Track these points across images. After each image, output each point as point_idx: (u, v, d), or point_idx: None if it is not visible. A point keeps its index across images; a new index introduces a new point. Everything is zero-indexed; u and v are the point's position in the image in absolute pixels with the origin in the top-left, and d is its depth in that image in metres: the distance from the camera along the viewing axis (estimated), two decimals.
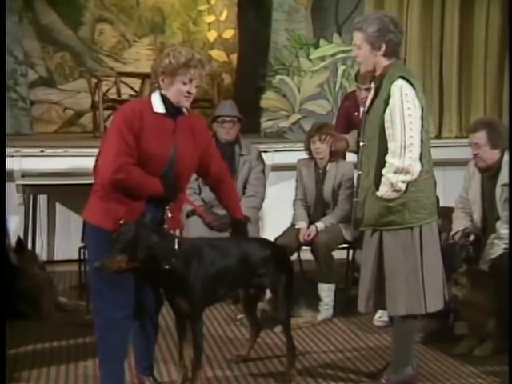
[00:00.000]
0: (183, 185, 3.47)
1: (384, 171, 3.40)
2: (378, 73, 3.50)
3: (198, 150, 3.44)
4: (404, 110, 3.36)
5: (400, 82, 3.39)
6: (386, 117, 3.40)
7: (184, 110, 3.40)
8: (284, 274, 3.78)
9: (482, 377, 3.88)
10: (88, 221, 3.38)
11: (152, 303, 3.55)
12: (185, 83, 3.30)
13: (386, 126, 3.41)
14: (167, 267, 3.27)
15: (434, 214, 3.59)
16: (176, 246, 3.32)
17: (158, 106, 3.33)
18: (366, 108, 3.56)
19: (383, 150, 3.42)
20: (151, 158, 3.27)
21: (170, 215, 3.38)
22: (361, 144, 3.55)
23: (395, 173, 3.36)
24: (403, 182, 3.38)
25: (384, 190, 3.41)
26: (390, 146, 3.39)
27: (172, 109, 3.34)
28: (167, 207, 3.37)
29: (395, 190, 3.39)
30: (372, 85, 3.57)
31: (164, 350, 4.19)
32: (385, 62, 3.48)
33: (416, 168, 3.38)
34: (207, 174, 3.61)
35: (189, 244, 3.51)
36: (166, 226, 3.38)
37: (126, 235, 3.18)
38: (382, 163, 3.42)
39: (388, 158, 3.38)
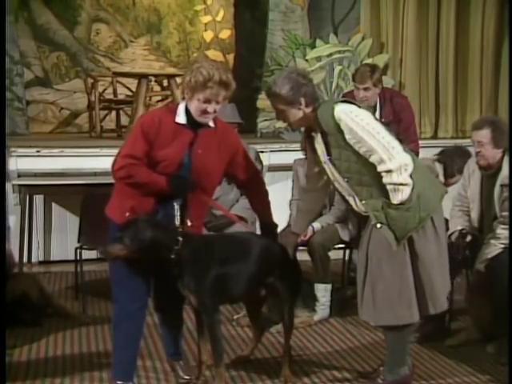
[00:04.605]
0: (204, 192, 3.52)
1: (386, 180, 3.38)
2: (313, 122, 3.53)
3: (222, 161, 3.53)
4: (359, 122, 3.38)
5: (338, 107, 3.43)
6: (350, 141, 3.40)
7: (210, 122, 3.47)
8: (293, 279, 3.78)
9: (477, 376, 3.90)
10: (106, 214, 3.55)
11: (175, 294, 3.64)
12: (201, 101, 3.36)
13: (357, 148, 3.41)
14: (173, 256, 3.37)
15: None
16: (180, 238, 3.39)
17: (180, 117, 3.44)
18: (326, 158, 3.53)
19: (372, 168, 3.41)
20: (162, 163, 3.38)
21: (189, 223, 3.50)
22: (344, 181, 3.50)
23: (396, 173, 3.36)
24: (406, 174, 3.37)
25: (397, 195, 3.38)
26: (375, 158, 3.38)
27: (193, 121, 3.43)
28: (176, 206, 3.46)
29: (406, 185, 3.37)
30: (313, 134, 3.57)
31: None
32: (309, 110, 3.52)
33: (407, 157, 3.39)
34: (236, 180, 3.76)
35: (199, 239, 3.54)
36: (177, 224, 3.47)
37: (126, 227, 3.35)
38: (378, 178, 3.40)
39: (381, 169, 3.37)
